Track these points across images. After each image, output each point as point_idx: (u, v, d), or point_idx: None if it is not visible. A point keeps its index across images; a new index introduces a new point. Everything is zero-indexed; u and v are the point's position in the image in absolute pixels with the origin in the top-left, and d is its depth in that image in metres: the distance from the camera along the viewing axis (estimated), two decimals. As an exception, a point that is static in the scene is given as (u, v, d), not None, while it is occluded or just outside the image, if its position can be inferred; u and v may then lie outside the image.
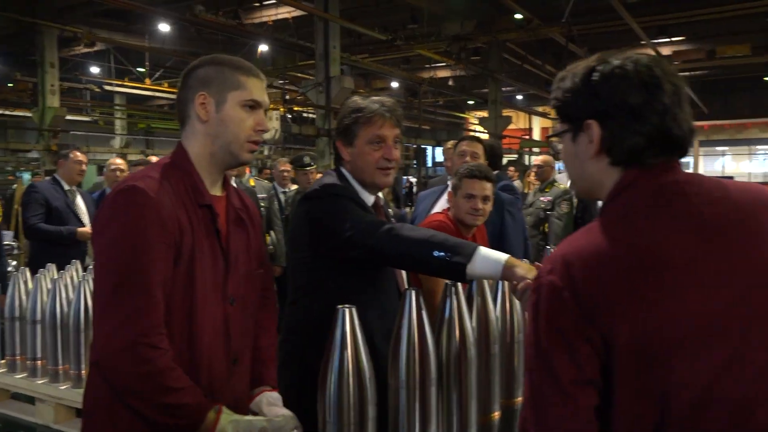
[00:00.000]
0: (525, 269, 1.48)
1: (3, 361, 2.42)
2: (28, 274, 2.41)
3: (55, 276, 2.26)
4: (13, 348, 2.35)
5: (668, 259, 0.96)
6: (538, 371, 1.00)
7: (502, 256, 1.53)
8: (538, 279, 1.02)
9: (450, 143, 4.63)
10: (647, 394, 0.95)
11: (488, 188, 2.63)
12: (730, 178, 14.21)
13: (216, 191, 1.50)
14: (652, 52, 15.65)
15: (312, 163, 5.37)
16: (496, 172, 4.07)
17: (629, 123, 1.03)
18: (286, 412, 1.45)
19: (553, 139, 1.19)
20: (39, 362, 2.28)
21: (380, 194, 2.00)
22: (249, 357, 1.56)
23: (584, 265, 0.97)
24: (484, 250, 1.56)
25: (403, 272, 2.05)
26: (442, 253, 1.56)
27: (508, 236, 3.25)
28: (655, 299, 0.94)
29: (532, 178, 6.57)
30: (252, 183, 5.53)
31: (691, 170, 7.21)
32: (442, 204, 3.30)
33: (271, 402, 1.55)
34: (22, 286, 2.35)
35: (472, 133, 21.13)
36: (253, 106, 1.48)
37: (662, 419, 0.95)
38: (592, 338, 0.96)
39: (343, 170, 1.92)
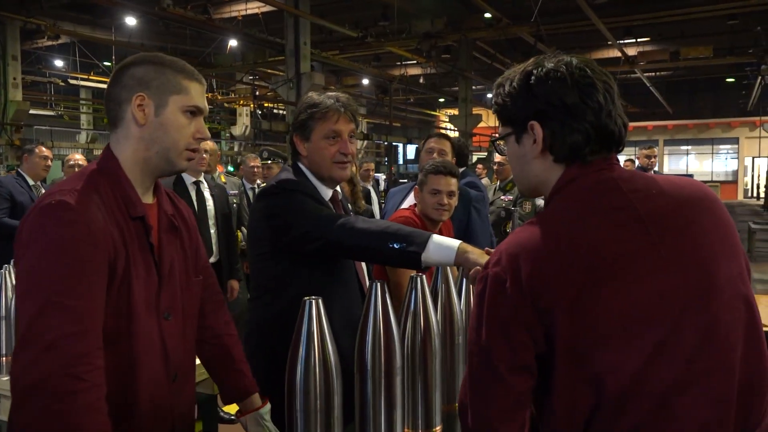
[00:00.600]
0: (477, 254, 1.55)
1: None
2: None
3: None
4: (-23, 344, 2.32)
5: (604, 252, 1.02)
6: (478, 355, 1.08)
7: (455, 243, 1.60)
8: (485, 270, 1.09)
9: (435, 137, 4.70)
10: (582, 380, 1.02)
11: (453, 184, 2.68)
12: (690, 176, 14.56)
13: (147, 199, 1.38)
14: (618, 53, 15.97)
15: (271, 158, 5.38)
16: (462, 168, 4.15)
17: (568, 121, 1.09)
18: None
19: (498, 142, 1.26)
20: (3, 359, 2.26)
21: (338, 188, 2.03)
22: (192, 371, 1.49)
23: (527, 258, 1.03)
24: (437, 238, 1.62)
25: (364, 266, 2.08)
26: (396, 244, 1.63)
27: (475, 232, 3.32)
28: (591, 291, 1.00)
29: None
30: (223, 179, 5.52)
31: (656, 168, 7.40)
32: (410, 200, 3.34)
33: (259, 422, 1.59)
34: (-14, 282, 2.32)
35: (442, 131, 21.25)
36: (195, 112, 1.38)
37: (597, 404, 1.02)
38: (531, 327, 1.03)
39: (300, 165, 1.94)
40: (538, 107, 1.11)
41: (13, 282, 2.21)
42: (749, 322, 1.07)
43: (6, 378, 2.23)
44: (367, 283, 2.02)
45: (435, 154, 3.26)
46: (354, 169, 5.85)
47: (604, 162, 1.12)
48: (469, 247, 1.58)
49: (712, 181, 24.62)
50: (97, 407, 1.12)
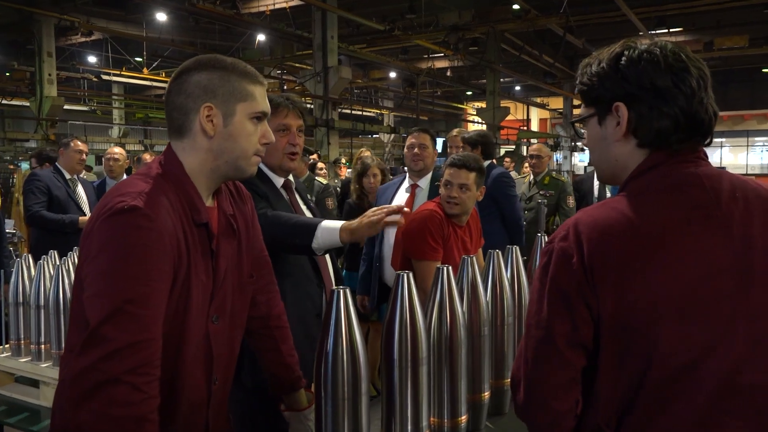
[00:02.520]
0: (356, 223, 1.78)
1: (7, 346, 2.48)
2: (31, 260, 2.46)
3: (58, 262, 2.32)
4: (17, 332, 2.41)
5: (667, 242, 1.01)
6: (537, 328, 1.08)
7: (338, 224, 1.84)
8: (551, 243, 1.09)
9: (455, 131, 4.67)
10: (629, 360, 1.02)
11: (465, 177, 2.62)
12: (723, 168, 14.23)
13: (209, 202, 1.37)
14: (650, 43, 15.63)
15: (302, 152, 5.38)
16: (488, 162, 4.13)
17: (657, 105, 1.06)
18: None
19: (577, 124, 1.23)
20: (43, 346, 2.34)
21: (290, 177, 2.17)
22: (232, 373, 1.47)
23: (593, 235, 1.03)
24: (324, 224, 1.85)
25: (329, 264, 2.15)
26: (291, 238, 1.86)
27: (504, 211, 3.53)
28: (646, 274, 1.00)
29: (527, 168, 6.50)
30: None
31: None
32: (401, 194, 3.41)
33: (301, 421, 1.62)
34: (26, 273, 2.40)
35: (470, 125, 21.13)
36: (261, 117, 1.37)
37: (641, 384, 1.02)
38: (590, 304, 1.03)
39: None
40: (627, 89, 1.08)
41: (52, 273, 2.29)
42: None
43: (45, 365, 2.31)
44: (333, 284, 2.09)
45: (416, 149, 3.33)
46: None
47: (692, 154, 1.09)
48: (353, 223, 1.81)
49: (747, 174, 24.03)
50: (150, 419, 1.13)
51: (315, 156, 6.45)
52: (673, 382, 1.00)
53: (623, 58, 1.09)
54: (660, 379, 1.01)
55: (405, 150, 3.50)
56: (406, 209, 1.82)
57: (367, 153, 5.85)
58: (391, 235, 3.23)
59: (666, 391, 1.01)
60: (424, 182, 3.38)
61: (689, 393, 1.00)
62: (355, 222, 1.81)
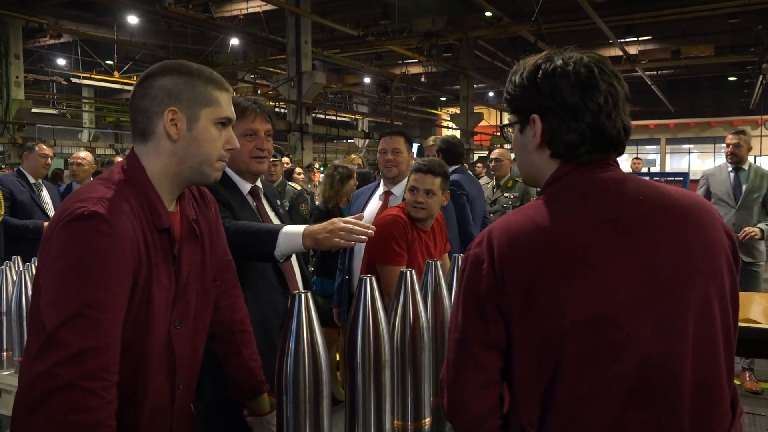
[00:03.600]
0: (320, 227, 1.78)
1: (-32, 353, 2.42)
2: (-7, 266, 2.41)
3: (21, 268, 2.28)
4: (-22, 340, 2.35)
5: (577, 249, 1.05)
6: (455, 332, 1.13)
7: (299, 228, 1.83)
8: (468, 250, 1.14)
9: (431, 139, 4.70)
10: (541, 361, 1.06)
11: (431, 182, 2.64)
12: (686, 174, 14.51)
13: (171, 207, 1.36)
14: (620, 51, 15.97)
15: (276, 155, 5.32)
16: (455, 167, 4.17)
17: (566, 120, 1.11)
18: None
19: (506, 129, 1.29)
20: (5, 353, 2.29)
21: (259, 182, 2.16)
22: (195, 377, 1.46)
23: (505, 241, 1.08)
24: (285, 230, 1.83)
25: (296, 270, 2.14)
26: (256, 246, 1.85)
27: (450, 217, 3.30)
28: (557, 283, 1.03)
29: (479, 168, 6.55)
30: None
31: (658, 167, 7.35)
32: (374, 201, 3.28)
33: (264, 425, 1.61)
34: (-13, 279, 2.36)
35: (444, 131, 21.26)
36: (225, 123, 1.37)
37: (555, 385, 1.05)
38: (501, 306, 1.07)
39: None
40: (541, 102, 1.13)
41: (14, 279, 2.25)
42: (725, 344, 1.09)
43: (8, 373, 2.26)
44: (299, 287, 2.08)
45: (389, 155, 3.15)
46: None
47: (600, 162, 1.13)
48: (315, 227, 1.81)
49: (713, 180, 24.47)
50: (107, 424, 1.11)
51: (287, 159, 6.42)
52: (585, 384, 1.03)
53: (540, 72, 1.14)
54: (572, 380, 1.04)
55: (378, 155, 3.29)
56: (370, 231, 1.81)
57: (358, 161, 5.84)
58: (361, 247, 3.10)
59: (579, 392, 1.04)
60: (399, 189, 3.19)
61: (601, 394, 1.03)
62: (318, 227, 1.80)
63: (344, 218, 1.82)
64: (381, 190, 3.27)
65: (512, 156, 5.50)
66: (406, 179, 3.22)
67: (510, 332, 1.08)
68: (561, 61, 1.13)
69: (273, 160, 5.22)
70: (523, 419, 1.08)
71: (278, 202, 2.30)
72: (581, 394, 1.04)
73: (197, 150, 1.33)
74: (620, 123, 1.13)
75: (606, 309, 1.03)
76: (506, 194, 5.22)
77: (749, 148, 4.78)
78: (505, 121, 1.30)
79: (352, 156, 6.47)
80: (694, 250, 1.08)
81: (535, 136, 1.15)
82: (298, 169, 6.41)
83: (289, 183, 5.46)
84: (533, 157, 1.18)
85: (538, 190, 1.22)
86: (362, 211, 3.20)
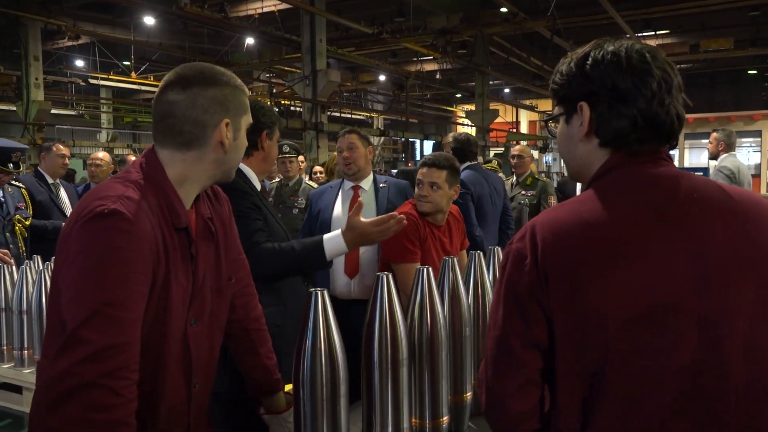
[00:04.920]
0: (362, 226, 2.02)
1: (-10, 352, 2.45)
2: (14, 265, 2.44)
3: (41, 267, 2.30)
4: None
5: (624, 246, 1.00)
6: (494, 329, 1.09)
7: (337, 233, 2.06)
8: (510, 244, 1.10)
9: (450, 136, 4.70)
10: (584, 365, 1.02)
11: (436, 175, 2.67)
12: (706, 169, 14.32)
13: (187, 206, 1.37)
14: (637, 46, 15.72)
15: (293, 152, 5.32)
16: (467, 164, 4.17)
17: (616, 106, 1.07)
18: None
19: (550, 123, 1.25)
20: (26, 352, 2.32)
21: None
22: (212, 376, 1.46)
23: (550, 236, 1.03)
24: (326, 237, 2.06)
25: None
26: (306, 266, 2.11)
27: None
28: (602, 281, 0.99)
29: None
30: None
31: (676, 162, 7.25)
32: (344, 199, 3.20)
33: (281, 423, 1.62)
34: (8, 278, 2.39)
35: (459, 128, 21.19)
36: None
37: (599, 391, 1.01)
38: (543, 304, 1.03)
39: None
40: (591, 89, 1.09)
41: (34, 278, 2.27)
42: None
43: (28, 371, 2.29)
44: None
45: (344, 152, 3.15)
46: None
47: (652, 155, 1.09)
48: (349, 223, 2.03)
49: (733, 175, 24.13)
50: (128, 422, 1.11)
51: (302, 158, 6.41)
52: (631, 388, 1.00)
53: (589, 59, 1.11)
54: (617, 384, 1.00)
55: (336, 155, 3.28)
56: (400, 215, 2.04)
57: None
58: None
59: (624, 397, 1.00)
60: (367, 183, 3.20)
61: (648, 401, 1.00)
62: (362, 222, 2.02)
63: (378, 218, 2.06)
64: (347, 186, 3.22)
65: (533, 153, 5.48)
66: (370, 174, 3.24)
67: (552, 332, 1.03)
68: (612, 48, 1.09)
69: (290, 158, 5.25)
70: (563, 424, 1.05)
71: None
72: (624, 401, 1.00)
73: (236, 156, 1.39)
74: (674, 111, 1.08)
75: (652, 308, 0.99)
76: (524, 191, 5.19)
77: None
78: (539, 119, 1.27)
79: (335, 154, 6.44)
80: (748, 250, 1.03)
81: (583, 124, 1.11)
82: (317, 168, 6.37)
83: (306, 181, 5.46)
84: (580, 148, 1.14)
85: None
86: (331, 210, 3.16)
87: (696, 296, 1.00)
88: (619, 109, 1.07)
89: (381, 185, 3.21)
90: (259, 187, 2.20)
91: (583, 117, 1.11)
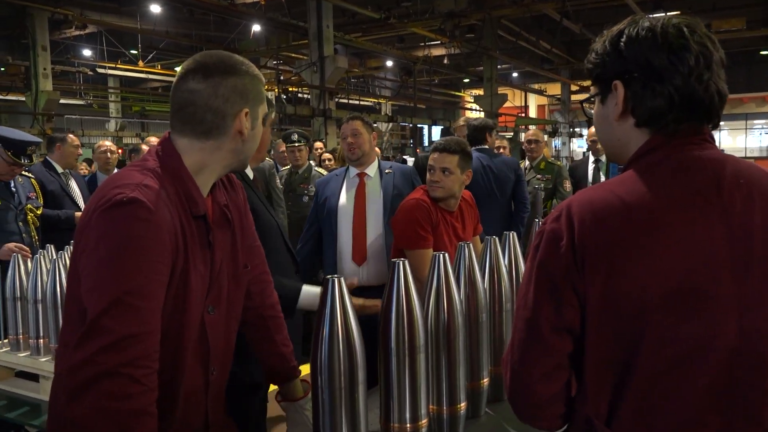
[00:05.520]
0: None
1: (6, 340, 2.47)
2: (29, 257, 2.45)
3: (54, 256, 2.31)
4: (15, 327, 2.40)
5: (665, 228, 0.98)
6: (524, 311, 1.06)
7: (317, 291, 1.96)
8: (543, 224, 1.07)
9: (462, 120, 4.68)
10: (616, 349, 1.00)
11: (448, 160, 2.65)
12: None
13: (205, 193, 1.37)
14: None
15: (301, 140, 5.24)
16: (479, 147, 4.17)
17: (651, 84, 1.04)
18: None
19: (585, 103, 1.22)
20: (41, 340, 2.33)
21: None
22: (229, 363, 1.47)
23: (588, 216, 1.00)
24: (304, 289, 2.05)
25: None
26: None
27: None
28: (640, 263, 0.97)
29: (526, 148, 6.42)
30: None
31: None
32: (348, 186, 3.21)
33: (297, 410, 1.63)
34: (22, 267, 2.39)
35: (468, 112, 21.09)
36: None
37: (629, 377, 0.99)
38: (577, 288, 1.01)
39: None
40: (625, 67, 1.06)
41: (48, 267, 2.28)
42: None
43: (44, 359, 2.30)
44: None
45: (349, 138, 3.15)
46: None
47: (696, 137, 1.05)
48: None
49: (746, 157, 23.93)
50: (149, 412, 1.12)
51: (320, 144, 6.36)
52: (663, 376, 0.97)
53: (624, 36, 1.07)
54: (649, 371, 0.98)
55: (340, 141, 3.27)
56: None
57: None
58: (346, 231, 3.13)
59: (656, 385, 0.98)
60: (371, 170, 3.21)
61: (681, 389, 0.97)
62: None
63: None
64: (353, 173, 3.22)
65: (546, 138, 5.45)
66: (375, 161, 3.24)
67: (585, 316, 1.01)
68: (647, 23, 1.06)
69: (298, 146, 5.23)
70: (590, 410, 1.03)
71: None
72: (655, 389, 0.98)
73: (252, 145, 1.39)
74: (713, 87, 1.04)
75: (689, 292, 0.96)
76: (539, 176, 5.16)
77: None
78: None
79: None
80: None
81: (617, 104, 1.08)
82: (326, 155, 6.35)
83: (316, 168, 5.44)
84: (616, 128, 1.11)
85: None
86: (337, 198, 3.16)
87: (735, 282, 0.97)
88: (654, 88, 1.04)
89: (386, 171, 3.21)
90: (251, 175, 2.17)
91: (618, 96, 1.08)
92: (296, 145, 5.22)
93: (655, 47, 1.03)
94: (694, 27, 1.05)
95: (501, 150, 5.24)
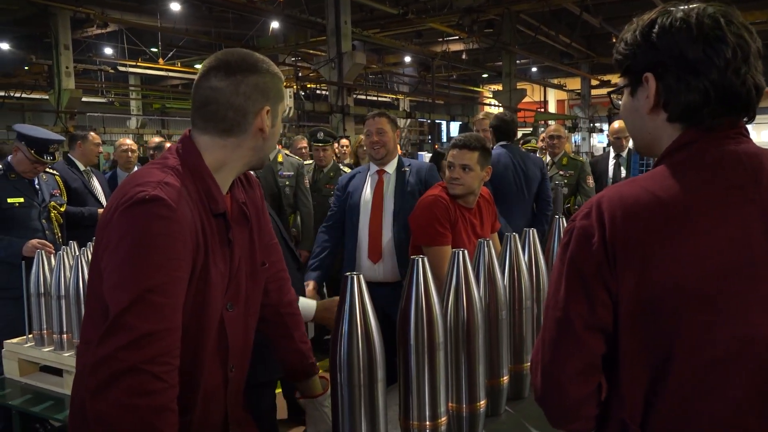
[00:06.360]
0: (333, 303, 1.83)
1: (30, 336, 2.51)
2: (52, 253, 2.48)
3: (77, 253, 2.34)
4: (40, 323, 2.44)
5: (697, 224, 0.95)
6: (554, 310, 1.04)
7: (312, 303, 1.97)
8: (573, 221, 1.05)
9: (482, 114, 4.63)
10: (651, 350, 0.97)
11: (468, 157, 2.63)
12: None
13: (224, 191, 1.38)
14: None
15: (328, 139, 5.16)
16: (503, 143, 4.13)
17: (686, 77, 1.00)
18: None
19: (614, 95, 1.18)
20: (65, 336, 2.36)
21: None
22: (247, 361, 1.48)
23: (620, 213, 0.98)
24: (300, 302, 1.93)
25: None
26: None
27: None
28: (675, 260, 0.94)
29: (541, 144, 6.30)
30: (280, 159, 5.02)
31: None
32: (370, 183, 3.22)
33: (316, 407, 1.63)
34: (46, 264, 2.43)
35: (486, 108, 20.97)
36: None
37: (665, 379, 0.96)
38: (610, 286, 0.98)
39: None
40: (657, 58, 1.02)
41: (71, 263, 2.31)
42: None
43: (68, 354, 2.34)
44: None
45: (374, 136, 3.14)
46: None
47: (730, 130, 1.01)
48: (327, 303, 1.97)
49: (770, 152, 23.39)
50: (171, 408, 1.13)
51: (346, 141, 6.28)
52: (701, 378, 0.95)
53: (656, 26, 1.03)
54: (686, 373, 0.95)
55: (363, 138, 3.27)
56: None
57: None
58: (363, 228, 3.14)
59: (693, 387, 0.95)
60: (390, 167, 3.23)
61: (719, 391, 0.94)
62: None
63: None
64: (373, 170, 3.25)
65: (567, 132, 5.37)
66: (396, 158, 3.24)
67: (617, 314, 0.98)
68: (681, 13, 1.01)
69: (323, 145, 5.16)
70: (625, 413, 1.00)
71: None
72: (693, 389, 0.95)
73: (272, 143, 1.40)
74: (751, 81, 1.00)
75: (726, 286, 0.93)
76: (561, 172, 5.08)
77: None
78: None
79: (361, 137, 6.26)
80: None
81: (648, 97, 1.04)
82: (344, 141, 6.27)
83: (343, 168, 5.36)
84: (647, 122, 1.07)
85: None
86: (360, 194, 3.18)
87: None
88: (689, 82, 1.00)
89: (404, 169, 3.21)
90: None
91: (649, 89, 1.04)
92: (321, 144, 5.12)
93: (689, 39, 0.99)
94: (730, 17, 1.01)
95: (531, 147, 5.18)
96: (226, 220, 1.33)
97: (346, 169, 5.30)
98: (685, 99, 1.01)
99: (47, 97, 13.21)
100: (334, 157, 5.45)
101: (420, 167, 3.29)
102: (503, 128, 4.24)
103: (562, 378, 1.04)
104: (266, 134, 1.35)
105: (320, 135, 5.15)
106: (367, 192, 3.20)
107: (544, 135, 5.82)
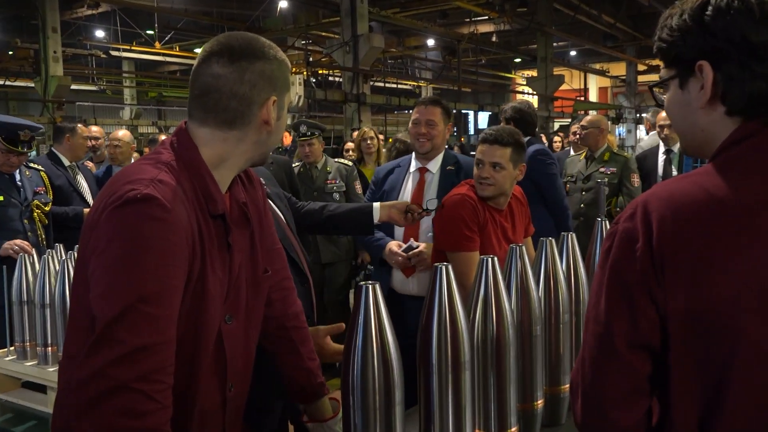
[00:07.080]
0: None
1: (12, 348, 2.53)
2: (35, 255, 2.51)
3: (63, 257, 2.35)
4: (22, 334, 2.45)
5: (757, 225, 0.93)
6: (594, 325, 1.03)
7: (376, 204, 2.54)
8: (616, 224, 1.03)
9: (509, 105, 4.60)
10: (707, 370, 0.96)
11: (500, 154, 2.55)
12: None
13: (223, 189, 1.38)
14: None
15: (313, 132, 4.94)
16: (528, 137, 4.09)
17: (750, 64, 0.98)
18: None
19: (656, 89, 1.17)
20: (50, 348, 2.38)
21: None
22: (248, 378, 1.48)
23: (669, 215, 0.96)
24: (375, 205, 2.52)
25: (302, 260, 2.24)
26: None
27: None
28: (728, 263, 0.93)
29: (571, 138, 6.21)
30: (329, 169, 5.05)
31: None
32: (409, 181, 3.17)
33: None
34: (29, 269, 2.45)
35: (519, 96, 20.92)
36: None
37: (722, 404, 0.95)
38: (656, 298, 0.97)
39: None
40: (713, 45, 1.00)
41: (57, 269, 2.32)
42: None
43: (52, 369, 2.35)
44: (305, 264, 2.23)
45: (422, 127, 3.06)
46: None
47: None
48: (393, 202, 2.51)
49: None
50: (163, 431, 1.13)
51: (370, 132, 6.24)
52: (762, 403, 0.93)
53: (709, 8, 1.01)
54: (745, 397, 0.93)
55: (410, 126, 3.18)
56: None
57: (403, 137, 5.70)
58: (398, 235, 3.10)
59: (753, 414, 0.93)
60: (434, 165, 3.14)
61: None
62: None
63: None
64: (414, 166, 3.17)
65: (609, 124, 5.27)
66: (441, 154, 3.15)
67: (666, 330, 0.97)
68: None
69: (309, 139, 5.02)
70: None
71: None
72: (753, 413, 0.94)
73: (277, 136, 1.39)
74: None
75: None
76: (602, 169, 4.97)
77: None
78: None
79: (366, 130, 6.18)
80: None
81: (704, 89, 1.02)
82: (348, 144, 6.29)
83: (338, 160, 5.34)
84: (700, 117, 1.05)
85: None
86: (399, 191, 3.13)
87: None
88: (753, 69, 0.98)
89: (449, 167, 3.13)
90: None
91: (705, 80, 1.02)
92: (307, 138, 4.92)
93: (751, 20, 0.98)
94: None
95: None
96: (225, 222, 1.33)
97: (346, 162, 5.28)
98: (749, 88, 0.99)
99: (33, 84, 13.38)
100: (351, 155, 5.43)
101: (470, 166, 3.23)
102: (524, 120, 4.10)
103: (604, 402, 1.02)
104: (271, 127, 1.34)
105: (303, 128, 4.93)
106: (407, 193, 3.13)
107: (576, 126, 5.74)
